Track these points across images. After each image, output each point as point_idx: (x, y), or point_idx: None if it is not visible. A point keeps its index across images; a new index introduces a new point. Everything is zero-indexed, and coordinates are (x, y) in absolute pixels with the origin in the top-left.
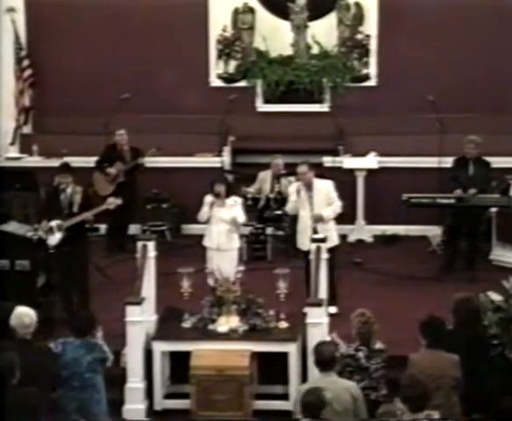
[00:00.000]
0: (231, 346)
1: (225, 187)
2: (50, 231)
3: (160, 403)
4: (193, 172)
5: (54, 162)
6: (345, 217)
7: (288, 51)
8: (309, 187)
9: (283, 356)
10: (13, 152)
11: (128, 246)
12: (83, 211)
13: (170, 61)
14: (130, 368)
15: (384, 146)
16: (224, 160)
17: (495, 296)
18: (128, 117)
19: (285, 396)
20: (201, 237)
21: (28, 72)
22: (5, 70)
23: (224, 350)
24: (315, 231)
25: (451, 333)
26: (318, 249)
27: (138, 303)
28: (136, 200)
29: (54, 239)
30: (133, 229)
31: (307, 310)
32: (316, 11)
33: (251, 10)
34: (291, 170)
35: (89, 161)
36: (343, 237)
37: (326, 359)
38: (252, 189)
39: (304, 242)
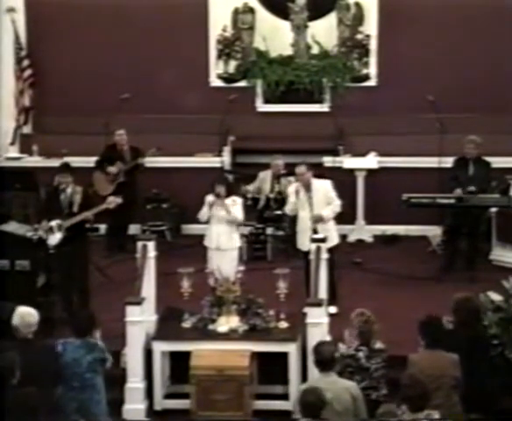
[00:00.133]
0: (231, 346)
1: (225, 187)
2: (50, 230)
3: (160, 403)
4: (193, 172)
5: (54, 162)
6: (345, 217)
7: (288, 51)
8: (307, 187)
9: (283, 356)
10: (13, 152)
11: (128, 246)
12: (83, 211)
13: (170, 61)
14: (130, 368)
15: (384, 146)
16: (224, 160)
17: (495, 296)
18: (128, 117)
19: (285, 396)
20: (201, 237)
21: (28, 72)
22: (5, 70)
23: (224, 350)
24: (315, 232)
25: (451, 333)
26: (318, 249)
27: (138, 303)
28: (136, 200)
29: (54, 238)
30: (133, 229)
31: (307, 310)
32: (316, 11)
33: (251, 10)
34: (291, 170)
35: (89, 161)
36: (343, 237)
37: (326, 359)
38: (251, 188)
39: (304, 243)
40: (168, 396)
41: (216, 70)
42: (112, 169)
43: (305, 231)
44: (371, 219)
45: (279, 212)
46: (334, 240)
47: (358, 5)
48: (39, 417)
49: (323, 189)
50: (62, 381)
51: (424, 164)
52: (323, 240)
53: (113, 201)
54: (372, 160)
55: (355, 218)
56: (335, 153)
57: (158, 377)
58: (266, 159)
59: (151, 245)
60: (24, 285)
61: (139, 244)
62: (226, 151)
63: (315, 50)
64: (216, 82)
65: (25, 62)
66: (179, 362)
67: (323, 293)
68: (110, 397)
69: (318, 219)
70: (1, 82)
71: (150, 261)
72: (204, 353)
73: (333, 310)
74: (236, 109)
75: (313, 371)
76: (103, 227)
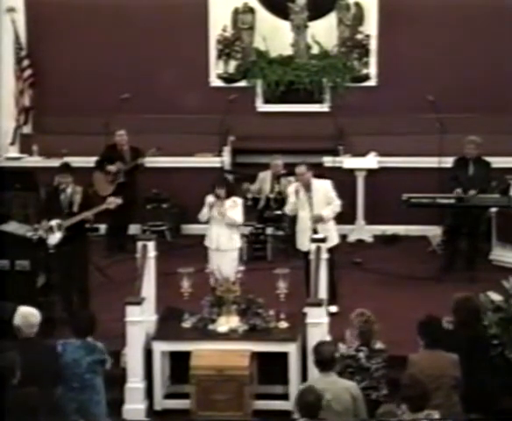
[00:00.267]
0: (231, 346)
1: (226, 188)
2: (50, 230)
3: (160, 403)
4: (193, 172)
5: (54, 162)
6: (345, 217)
7: (288, 51)
8: (307, 187)
9: (283, 356)
10: (13, 152)
11: (128, 246)
12: (83, 211)
13: (170, 61)
14: (130, 368)
15: (384, 146)
16: (224, 160)
17: (495, 296)
18: (128, 117)
19: (285, 396)
20: (201, 237)
21: (28, 72)
22: (5, 70)
23: (223, 350)
24: (315, 232)
25: (451, 333)
26: (318, 249)
27: (138, 303)
28: (136, 200)
29: (54, 238)
30: (133, 229)
31: (307, 310)
32: (316, 11)
33: (251, 10)
34: (291, 170)
35: (89, 161)
36: (343, 237)
37: (326, 359)
38: (253, 187)
39: (304, 243)
40: (168, 396)
41: (216, 70)
42: (111, 168)
43: (305, 232)
44: (371, 219)
45: (279, 212)
46: (334, 240)
47: (358, 5)
48: (39, 417)
49: (323, 189)
50: (62, 381)
51: (424, 164)
52: (323, 240)
53: (113, 201)
54: (372, 160)
55: (355, 218)
56: (335, 153)
57: (158, 377)
58: (266, 159)
59: (151, 245)
60: (24, 285)
61: (139, 244)
62: (226, 151)
63: (315, 50)
64: (216, 82)
65: (25, 62)
66: (179, 362)
67: (323, 293)
68: (110, 397)
69: (318, 219)
70: (1, 82)
71: (150, 261)
72: (204, 353)
73: (334, 309)
74: (236, 109)
75: (313, 371)
76: (103, 227)
